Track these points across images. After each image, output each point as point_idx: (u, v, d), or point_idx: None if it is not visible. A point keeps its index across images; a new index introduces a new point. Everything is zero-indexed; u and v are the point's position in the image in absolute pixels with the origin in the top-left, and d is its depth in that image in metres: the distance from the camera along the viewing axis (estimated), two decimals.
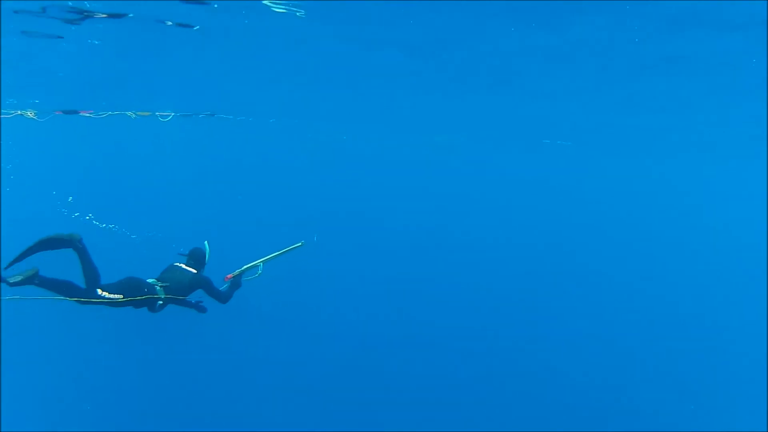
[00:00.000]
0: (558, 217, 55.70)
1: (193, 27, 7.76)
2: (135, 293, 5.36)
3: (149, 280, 5.70)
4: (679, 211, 54.19)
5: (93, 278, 5.22)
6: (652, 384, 15.59)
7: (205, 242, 6.24)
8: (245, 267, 6.31)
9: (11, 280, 4.73)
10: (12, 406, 11.62)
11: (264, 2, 6.27)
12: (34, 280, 4.86)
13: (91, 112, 7.13)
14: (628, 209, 58.32)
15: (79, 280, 5.20)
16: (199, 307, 6.14)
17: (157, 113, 7.70)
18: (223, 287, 6.25)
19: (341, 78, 12.60)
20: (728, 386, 15.52)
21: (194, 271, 5.99)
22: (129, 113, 7.38)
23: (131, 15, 7.11)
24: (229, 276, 6.28)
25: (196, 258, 6.09)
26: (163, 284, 5.69)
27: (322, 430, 12.06)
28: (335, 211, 37.25)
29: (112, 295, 5.22)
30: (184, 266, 6.03)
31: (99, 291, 5.17)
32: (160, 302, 5.63)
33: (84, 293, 5.11)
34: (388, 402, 13.37)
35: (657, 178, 37.18)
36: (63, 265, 5.16)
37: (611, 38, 7.13)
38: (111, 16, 6.99)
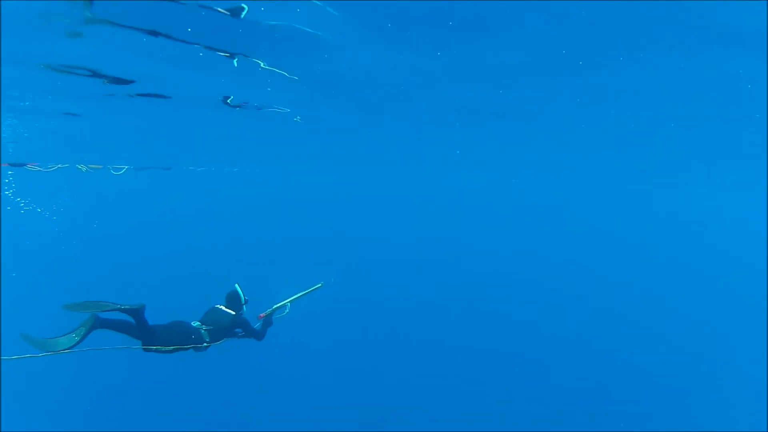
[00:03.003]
0: (559, 220, 55.86)
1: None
2: (184, 341, 5.75)
3: (194, 324, 6.06)
4: (680, 214, 54.30)
5: (146, 331, 5.57)
6: (653, 384, 15.60)
7: (236, 285, 6.61)
8: (275, 306, 6.74)
9: (76, 338, 5.05)
10: (12, 406, 11.64)
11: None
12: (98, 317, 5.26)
13: (37, 164, 7.08)
14: (629, 213, 58.47)
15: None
16: (249, 335, 6.50)
17: (110, 166, 7.64)
18: (257, 325, 6.67)
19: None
20: (728, 386, 15.52)
21: (233, 312, 6.36)
22: (80, 166, 7.29)
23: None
24: (261, 315, 6.70)
25: (233, 300, 6.47)
26: (207, 327, 6.07)
27: (322, 431, 12.07)
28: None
29: (165, 348, 5.61)
30: (224, 308, 6.41)
31: (154, 347, 5.53)
32: (206, 344, 6.01)
33: (142, 339, 5.49)
34: (388, 405, 13.39)
35: (656, 182, 37.21)
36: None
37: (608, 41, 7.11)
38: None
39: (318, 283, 6.91)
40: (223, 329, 6.13)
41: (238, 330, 6.33)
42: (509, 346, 17.35)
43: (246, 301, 6.50)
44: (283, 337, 15.93)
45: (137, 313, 5.41)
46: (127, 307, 5.27)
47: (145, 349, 5.48)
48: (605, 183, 42.73)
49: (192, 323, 6.04)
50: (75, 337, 5.00)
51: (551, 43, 6.52)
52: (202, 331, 5.98)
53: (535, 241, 43.49)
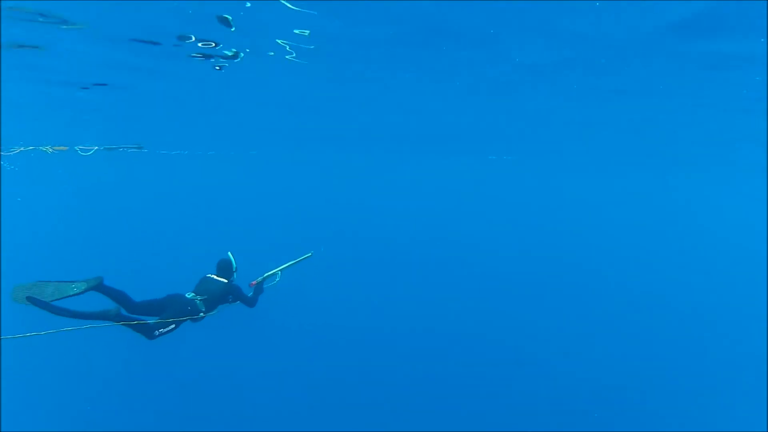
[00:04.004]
0: (558, 218, 55.83)
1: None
2: (180, 313, 5.76)
3: (188, 295, 6.10)
4: (680, 212, 54.28)
5: (141, 307, 5.59)
6: (653, 384, 15.59)
7: (229, 253, 6.64)
8: (267, 274, 6.85)
9: (76, 290, 4.99)
10: (12, 406, 11.63)
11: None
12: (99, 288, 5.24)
13: None
14: (630, 211, 58.47)
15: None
16: (246, 301, 6.57)
17: (77, 147, 7.40)
18: (249, 293, 6.75)
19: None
20: (728, 386, 15.51)
21: (225, 280, 6.44)
22: (45, 148, 7.11)
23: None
24: (253, 282, 6.79)
25: (225, 268, 6.53)
26: (202, 297, 6.11)
27: (322, 431, 12.07)
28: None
29: (167, 329, 5.59)
30: (215, 277, 6.47)
31: (156, 332, 5.49)
32: (202, 314, 6.04)
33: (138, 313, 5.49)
34: (389, 405, 13.39)
35: (656, 179, 37.25)
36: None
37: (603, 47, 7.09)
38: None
39: (308, 253, 7.04)
40: (217, 298, 6.22)
41: (230, 297, 6.42)
42: (511, 345, 17.35)
43: (236, 269, 6.59)
44: (284, 336, 16.00)
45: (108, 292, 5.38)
46: (84, 287, 5.12)
47: (147, 336, 5.45)
48: (605, 180, 42.88)
49: (186, 295, 6.07)
50: (74, 288, 5.00)
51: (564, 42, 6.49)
52: (197, 301, 6.03)
53: (534, 237, 43.42)
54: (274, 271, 6.84)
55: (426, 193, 60.84)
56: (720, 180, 29.66)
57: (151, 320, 5.50)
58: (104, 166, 38.63)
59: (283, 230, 32.85)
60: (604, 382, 15.18)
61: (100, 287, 5.24)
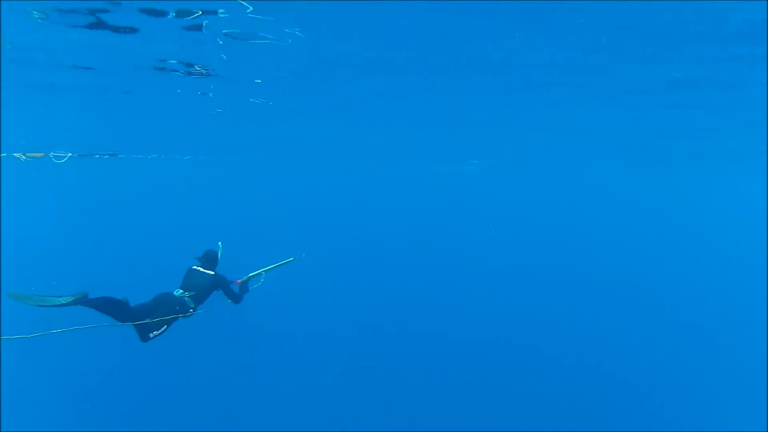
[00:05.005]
0: (558, 215, 55.81)
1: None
2: (170, 312, 5.71)
3: (176, 293, 6.02)
4: (679, 210, 54.27)
5: (131, 314, 5.47)
6: (653, 384, 15.60)
7: (219, 243, 6.61)
8: (251, 274, 6.85)
9: (62, 301, 4.90)
10: (12, 406, 11.63)
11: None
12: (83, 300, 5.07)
13: None
14: (631, 209, 58.49)
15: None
16: (233, 297, 6.50)
17: (51, 154, 7.28)
18: (235, 290, 6.69)
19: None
20: (728, 386, 15.51)
21: (212, 272, 6.35)
22: (18, 155, 7.00)
23: None
24: (238, 281, 6.77)
25: (210, 259, 6.43)
26: (190, 293, 6.04)
27: (323, 431, 12.07)
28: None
29: (159, 332, 5.60)
30: (201, 269, 6.36)
31: (151, 335, 5.52)
32: (191, 310, 6.00)
33: (132, 317, 5.41)
34: (388, 404, 13.39)
35: (656, 176, 37.22)
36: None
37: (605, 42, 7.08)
38: None
39: (290, 257, 7.14)
40: (205, 291, 6.18)
41: (217, 289, 6.38)
42: (510, 345, 17.36)
43: (219, 260, 6.52)
44: (284, 337, 16.00)
45: (93, 302, 5.21)
46: (71, 299, 4.99)
47: (141, 338, 5.46)
48: (605, 180, 42.88)
49: (174, 293, 6.02)
50: (62, 300, 4.96)
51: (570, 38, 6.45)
52: (186, 298, 5.98)
53: (536, 238, 43.44)
54: (259, 271, 6.92)
55: (426, 195, 60.80)
56: (720, 180, 29.64)
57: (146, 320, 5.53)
58: (105, 168, 38.57)
59: (267, 234, 32.70)
60: (604, 381, 15.18)
61: (86, 301, 5.10)
